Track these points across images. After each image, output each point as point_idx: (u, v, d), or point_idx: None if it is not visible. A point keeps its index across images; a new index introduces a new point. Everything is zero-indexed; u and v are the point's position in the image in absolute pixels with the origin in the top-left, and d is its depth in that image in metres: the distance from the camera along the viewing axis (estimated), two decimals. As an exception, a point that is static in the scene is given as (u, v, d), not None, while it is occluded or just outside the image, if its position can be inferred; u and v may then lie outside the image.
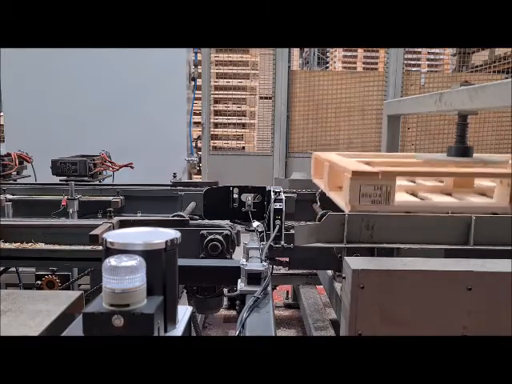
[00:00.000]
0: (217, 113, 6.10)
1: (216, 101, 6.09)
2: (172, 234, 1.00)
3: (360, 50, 7.49)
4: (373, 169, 2.07)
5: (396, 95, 5.71)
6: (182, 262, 1.04)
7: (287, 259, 2.27)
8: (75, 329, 0.92)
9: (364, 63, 7.56)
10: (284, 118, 5.90)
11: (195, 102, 6.10)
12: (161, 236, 0.98)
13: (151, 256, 0.94)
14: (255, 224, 2.14)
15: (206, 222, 2.27)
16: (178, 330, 1.00)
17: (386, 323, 1.51)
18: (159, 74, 5.54)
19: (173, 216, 2.21)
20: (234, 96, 6.10)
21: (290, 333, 3.60)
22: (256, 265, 1.50)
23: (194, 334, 2.21)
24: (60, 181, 3.29)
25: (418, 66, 6.89)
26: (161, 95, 5.56)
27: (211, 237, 2.03)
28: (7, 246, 2.04)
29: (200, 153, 6.15)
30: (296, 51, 6.15)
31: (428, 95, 2.88)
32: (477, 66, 6.19)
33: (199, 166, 6.06)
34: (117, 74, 5.53)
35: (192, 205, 2.72)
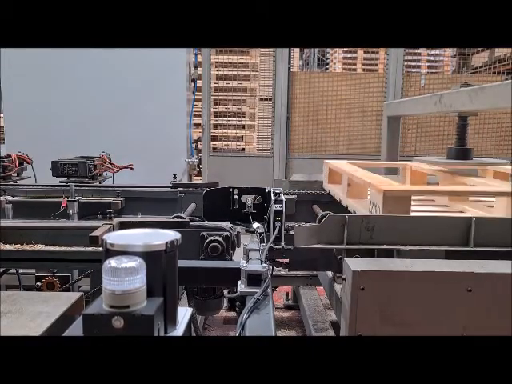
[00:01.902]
0: (217, 114, 6.11)
1: (216, 102, 6.09)
2: (172, 235, 1.00)
3: (360, 52, 7.50)
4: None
5: (396, 96, 5.72)
6: (182, 263, 1.04)
7: (287, 260, 2.27)
8: (75, 330, 0.92)
9: (364, 65, 7.57)
10: (284, 119, 5.90)
11: (195, 103, 6.10)
12: (161, 237, 0.98)
13: (151, 257, 0.93)
14: (255, 225, 2.14)
15: (206, 223, 2.27)
16: (178, 332, 0.99)
17: (386, 324, 1.51)
18: (159, 75, 5.54)
19: (173, 217, 2.21)
20: (234, 97, 6.10)
21: (290, 334, 3.59)
22: (256, 266, 1.49)
23: (194, 335, 2.21)
24: (60, 182, 3.29)
25: (418, 67, 6.91)
26: (161, 97, 5.57)
27: (211, 238, 2.02)
28: (7, 247, 2.04)
29: (200, 154, 6.15)
30: (296, 52, 6.16)
31: (428, 96, 2.88)
32: (477, 68, 6.20)
33: (199, 168, 6.06)
34: (117, 75, 5.54)
35: (192, 206, 2.73)
